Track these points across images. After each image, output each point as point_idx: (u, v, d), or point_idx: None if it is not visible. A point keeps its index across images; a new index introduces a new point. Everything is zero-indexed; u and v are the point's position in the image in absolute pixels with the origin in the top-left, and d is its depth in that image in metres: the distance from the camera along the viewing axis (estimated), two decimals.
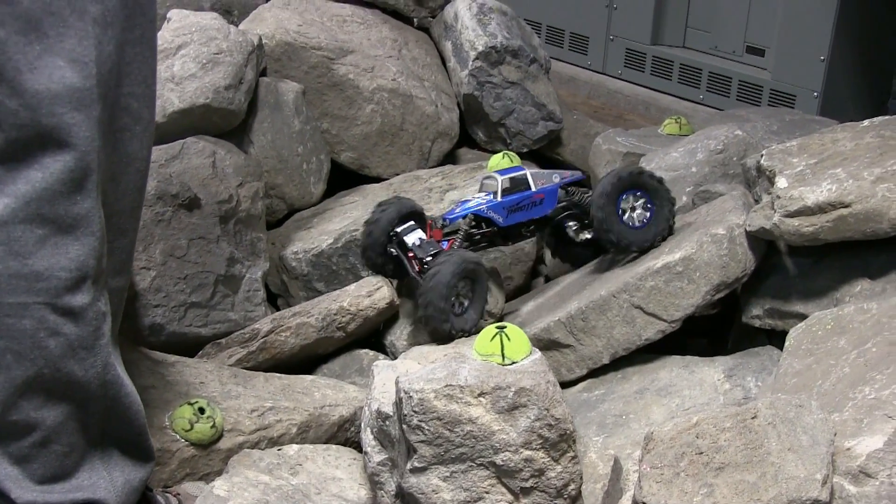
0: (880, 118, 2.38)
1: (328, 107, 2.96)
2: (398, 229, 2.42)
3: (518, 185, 2.46)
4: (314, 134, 2.87)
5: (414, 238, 2.39)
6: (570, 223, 2.59)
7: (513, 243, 2.60)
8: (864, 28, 3.78)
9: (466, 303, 2.25)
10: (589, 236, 2.59)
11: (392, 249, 2.42)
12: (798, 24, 3.84)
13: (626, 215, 2.40)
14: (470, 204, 2.44)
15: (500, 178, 2.45)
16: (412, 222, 2.45)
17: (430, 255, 2.31)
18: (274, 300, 2.73)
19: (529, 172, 2.49)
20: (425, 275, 2.23)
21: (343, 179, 3.00)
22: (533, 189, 2.48)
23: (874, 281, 2.16)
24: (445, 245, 2.38)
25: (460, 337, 2.21)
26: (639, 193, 2.41)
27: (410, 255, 2.37)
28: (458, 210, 2.43)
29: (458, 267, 2.19)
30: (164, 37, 2.63)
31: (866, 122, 2.37)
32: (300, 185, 2.84)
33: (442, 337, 2.20)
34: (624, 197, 2.39)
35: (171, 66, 2.58)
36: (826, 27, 3.74)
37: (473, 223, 2.43)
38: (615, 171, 2.42)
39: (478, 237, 2.46)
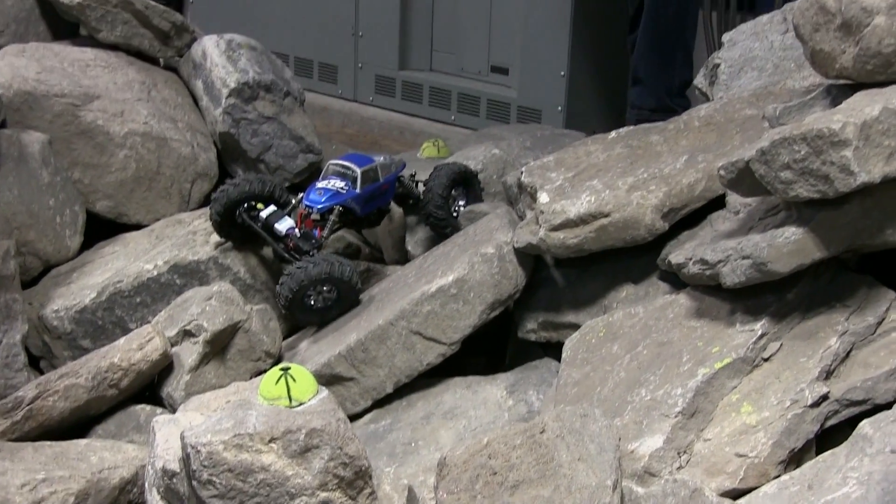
0: (625, 129, 2.49)
1: (78, 155, 2.83)
2: (262, 214, 2.59)
3: (371, 176, 2.65)
4: (65, 185, 2.74)
5: (286, 225, 2.57)
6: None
7: (361, 229, 2.90)
8: (597, 43, 3.97)
9: (322, 301, 2.47)
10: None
11: (248, 224, 2.60)
12: (537, 42, 4.00)
13: (451, 206, 2.74)
14: (330, 194, 2.59)
15: (358, 169, 2.61)
16: (272, 206, 2.62)
17: (315, 249, 2.51)
18: (36, 363, 2.58)
19: (378, 164, 2.67)
20: (298, 262, 2.44)
21: (101, 230, 2.87)
22: (381, 180, 2.68)
23: (637, 285, 2.26)
24: (317, 233, 2.56)
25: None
26: (460, 188, 2.76)
27: (290, 243, 2.54)
28: (323, 200, 2.58)
29: (324, 271, 2.41)
30: None
31: (613, 134, 2.47)
32: (55, 240, 2.70)
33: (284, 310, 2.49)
34: (452, 192, 2.73)
35: None
36: (563, 44, 3.91)
37: (341, 212, 2.61)
38: (444, 171, 2.72)
39: (340, 227, 2.68)
